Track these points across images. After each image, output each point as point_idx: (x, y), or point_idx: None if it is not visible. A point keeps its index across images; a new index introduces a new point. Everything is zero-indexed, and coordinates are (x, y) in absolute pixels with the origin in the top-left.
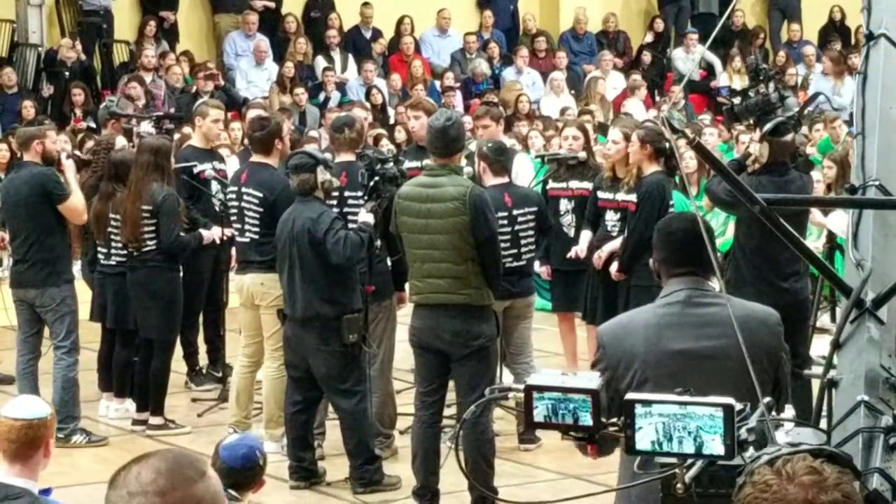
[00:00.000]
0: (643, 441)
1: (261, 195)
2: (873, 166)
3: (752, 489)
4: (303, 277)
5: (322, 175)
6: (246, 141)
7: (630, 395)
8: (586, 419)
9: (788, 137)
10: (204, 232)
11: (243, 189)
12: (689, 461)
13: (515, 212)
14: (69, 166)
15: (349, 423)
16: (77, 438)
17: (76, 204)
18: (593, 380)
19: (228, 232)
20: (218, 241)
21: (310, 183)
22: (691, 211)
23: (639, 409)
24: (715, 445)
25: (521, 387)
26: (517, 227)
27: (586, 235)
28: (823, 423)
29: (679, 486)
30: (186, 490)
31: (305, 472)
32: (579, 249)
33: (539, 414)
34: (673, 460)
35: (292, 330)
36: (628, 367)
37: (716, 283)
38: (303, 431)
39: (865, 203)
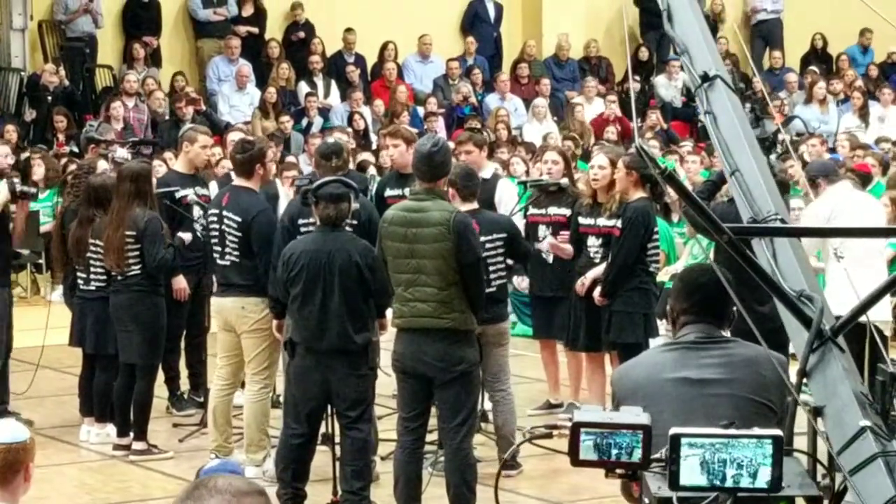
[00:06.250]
0: (688, 476)
1: (239, 220)
2: (767, 201)
3: None
4: (342, 309)
5: (354, 203)
6: (228, 165)
7: (675, 430)
8: (636, 455)
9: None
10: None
11: (224, 213)
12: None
13: (483, 238)
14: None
15: (361, 446)
16: None
17: None
18: (640, 415)
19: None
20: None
21: (347, 212)
22: (710, 263)
23: (683, 441)
24: (762, 478)
25: (568, 424)
26: (485, 254)
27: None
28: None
29: None
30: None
31: (298, 500)
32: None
33: (585, 451)
34: (713, 494)
35: (316, 361)
36: (633, 400)
37: (728, 334)
38: (305, 461)
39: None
